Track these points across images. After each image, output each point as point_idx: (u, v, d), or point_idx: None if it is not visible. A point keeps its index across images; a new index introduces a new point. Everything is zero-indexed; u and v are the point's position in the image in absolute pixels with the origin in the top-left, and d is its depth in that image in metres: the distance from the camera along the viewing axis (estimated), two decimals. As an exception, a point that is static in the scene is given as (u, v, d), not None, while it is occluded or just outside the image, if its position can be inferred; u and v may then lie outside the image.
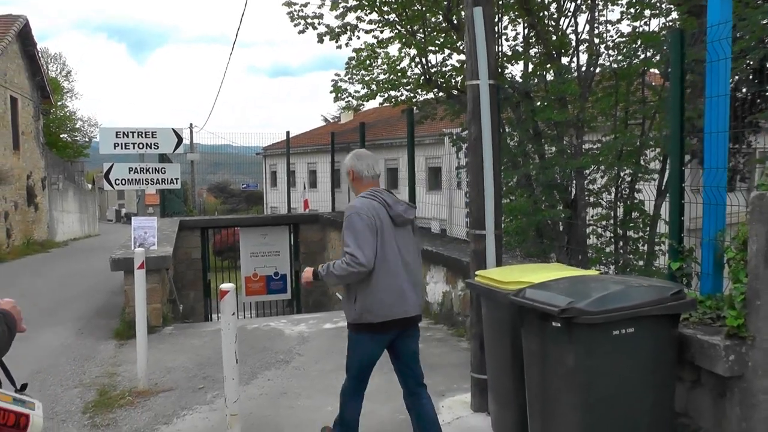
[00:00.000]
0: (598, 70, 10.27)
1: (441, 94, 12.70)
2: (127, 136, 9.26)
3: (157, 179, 9.55)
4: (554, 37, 10.54)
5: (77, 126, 43.24)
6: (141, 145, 9.35)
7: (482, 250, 5.25)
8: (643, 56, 9.89)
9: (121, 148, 9.32)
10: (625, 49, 10.12)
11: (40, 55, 27.46)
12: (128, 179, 9.41)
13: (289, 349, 7.85)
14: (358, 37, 12.92)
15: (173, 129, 9.55)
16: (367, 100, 14.02)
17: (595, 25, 10.24)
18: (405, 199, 6.75)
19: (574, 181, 9.77)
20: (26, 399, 2.38)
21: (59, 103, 39.38)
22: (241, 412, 5.06)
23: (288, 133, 18.52)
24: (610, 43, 10.37)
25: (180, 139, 9.58)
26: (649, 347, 3.66)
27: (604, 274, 4.92)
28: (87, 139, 43.77)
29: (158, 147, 9.47)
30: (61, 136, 40.48)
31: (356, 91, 14.20)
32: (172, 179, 9.66)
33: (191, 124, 41.33)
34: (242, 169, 50.81)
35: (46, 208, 27.81)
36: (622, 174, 10.00)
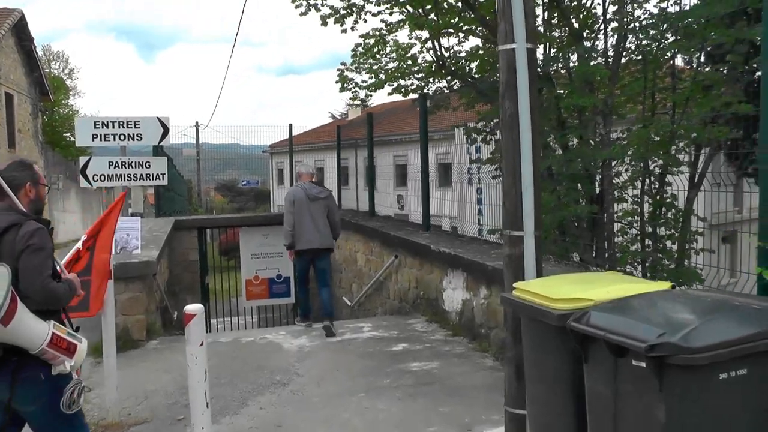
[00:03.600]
0: (624, 54, 9.30)
1: (454, 82, 11.73)
2: (107, 126, 8.25)
3: (141, 175, 8.54)
4: (579, 17, 9.57)
5: (81, 125, 42.12)
6: (122, 137, 8.33)
7: (519, 256, 4.22)
8: (672, 38, 8.90)
9: (101, 140, 8.32)
10: (652, 32, 9.12)
11: (36, 50, 26.49)
12: (108, 175, 8.39)
13: (287, 368, 6.82)
14: (365, 21, 11.90)
15: (158, 118, 8.53)
16: (375, 90, 13.02)
17: (625, 2, 9.24)
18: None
19: (600, 175, 8.83)
20: (77, 335, 3.53)
21: (63, 102, 38.45)
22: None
23: (291, 126, 17.52)
24: (637, 25, 9.35)
25: (166, 130, 8.54)
26: (771, 395, 2.63)
27: (687, 289, 3.90)
28: (91, 138, 42.66)
29: (142, 138, 8.46)
30: (65, 134, 39.44)
31: (363, 81, 13.26)
32: (158, 174, 8.63)
33: (197, 122, 40.24)
34: (250, 168, 50.01)
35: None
36: (651, 166, 9.06)
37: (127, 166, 8.52)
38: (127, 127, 8.38)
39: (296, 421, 5.38)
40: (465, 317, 7.65)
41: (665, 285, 3.57)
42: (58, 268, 3.70)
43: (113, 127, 8.34)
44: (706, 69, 9.09)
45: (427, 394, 5.81)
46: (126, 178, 8.54)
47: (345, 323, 9.06)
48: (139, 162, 8.60)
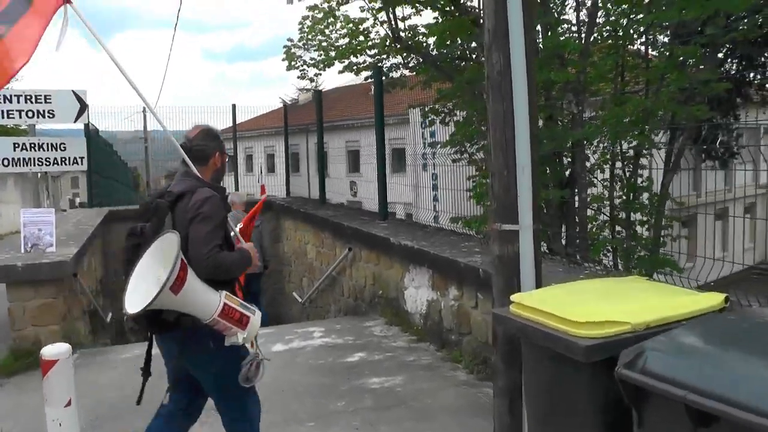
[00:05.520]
0: (594, 28, 8.49)
1: (411, 57, 10.77)
2: (11, 101, 7.10)
3: (55, 158, 7.42)
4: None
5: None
6: (30, 113, 7.20)
7: (512, 257, 3.24)
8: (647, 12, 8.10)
9: (3, 117, 7.19)
10: (624, 6, 8.33)
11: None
12: (14, 159, 7.25)
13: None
14: (313, -10, 10.95)
15: (74, 92, 7.39)
16: (324, 68, 12.05)
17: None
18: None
19: (571, 157, 8.03)
20: (250, 307, 3.42)
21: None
22: None
23: (234, 106, 16.34)
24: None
25: (83, 106, 7.43)
26: None
27: (762, 309, 2.95)
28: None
29: (54, 116, 7.32)
30: (-1, 120, 37.49)
31: (312, 59, 12.29)
32: (75, 158, 7.52)
33: (144, 108, 38.41)
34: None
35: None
36: (626, 147, 8.38)
37: (37, 148, 7.38)
38: (36, 102, 7.23)
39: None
40: (431, 320, 6.66)
41: (716, 297, 2.63)
42: (234, 236, 3.75)
43: (19, 102, 7.17)
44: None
45: (390, 421, 4.79)
46: (36, 162, 7.40)
47: (293, 327, 7.98)
48: (51, 144, 7.45)
